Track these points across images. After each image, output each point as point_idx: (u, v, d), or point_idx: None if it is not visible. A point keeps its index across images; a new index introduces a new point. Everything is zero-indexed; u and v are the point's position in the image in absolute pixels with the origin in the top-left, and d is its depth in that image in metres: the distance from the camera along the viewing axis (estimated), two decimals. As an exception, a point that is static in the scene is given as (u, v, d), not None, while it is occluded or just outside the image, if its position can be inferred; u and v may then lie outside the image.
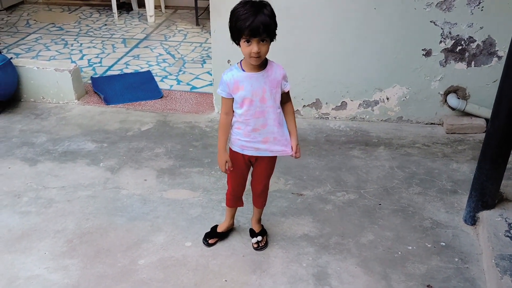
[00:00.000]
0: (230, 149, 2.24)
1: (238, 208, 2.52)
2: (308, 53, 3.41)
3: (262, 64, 2.04)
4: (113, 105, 3.94)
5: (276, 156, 2.30)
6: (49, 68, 3.88)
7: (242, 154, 2.21)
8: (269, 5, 1.92)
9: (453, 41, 3.25)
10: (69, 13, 6.29)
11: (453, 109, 3.47)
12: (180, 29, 5.73)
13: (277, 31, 1.95)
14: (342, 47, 3.37)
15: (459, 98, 3.41)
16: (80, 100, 4.00)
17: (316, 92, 3.56)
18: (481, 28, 3.18)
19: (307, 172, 3.08)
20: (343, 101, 3.57)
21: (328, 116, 3.65)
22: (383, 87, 3.48)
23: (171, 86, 4.28)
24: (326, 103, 3.60)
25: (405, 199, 2.82)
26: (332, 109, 3.61)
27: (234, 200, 2.45)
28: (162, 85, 4.25)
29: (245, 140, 2.16)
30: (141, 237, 2.55)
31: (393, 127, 3.59)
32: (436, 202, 2.79)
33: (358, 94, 3.53)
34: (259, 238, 2.48)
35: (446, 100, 3.46)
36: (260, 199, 2.46)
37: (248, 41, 1.91)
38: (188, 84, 4.31)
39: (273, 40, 1.97)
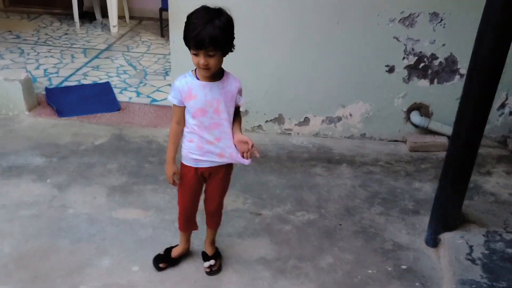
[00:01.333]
0: (182, 163, 2.09)
1: None
2: (270, 66, 3.31)
3: (217, 74, 1.92)
4: (66, 118, 3.74)
5: (232, 169, 2.17)
6: (-2, 78, 3.67)
7: (195, 168, 2.06)
8: (225, 15, 1.80)
9: (416, 57, 3.20)
10: (29, 21, 6.05)
11: (416, 126, 3.42)
12: (144, 40, 5.57)
13: (235, 42, 1.84)
14: (304, 61, 3.28)
15: (422, 116, 3.37)
16: (31, 112, 3.78)
17: (278, 107, 3.46)
18: (443, 45, 3.14)
19: (267, 190, 2.95)
20: (306, 117, 3.48)
21: (291, 132, 3.55)
22: (346, 103, 3.40)
23: (130, 98, 4.11)
24: (289, 119, 3.50)
25: (366, 220, 2.72)
26: (295, 124, 3.51)
27: (187, 223, 2.28)
28: (120, 97, 4.08)
29: (198, 154, 2.02)
30: (84, 260, 2.37)
31: (356, 144, 3.51)
32: (398, 223, 2.70)
33: (321, 110, 3.44)
34: (212, 262, 2.32)
35: (409, 118, 3.41)
36: (214, 219, 2.32)
37: (195, 53, 1.80)
38: (148, 96, 4.14)
39: (227, 52, 1.85)
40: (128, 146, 3.42)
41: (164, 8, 5.41)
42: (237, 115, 2.05)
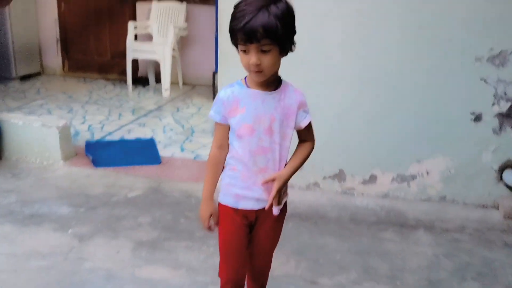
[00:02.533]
0: (220, 205, 1.59)
1: None
2: (330, 112, 2.87)
3: (273, 82, 1.48)
4: (102, 168, 3.40)
5: (284, 217, 1.65)
6: (36, 124, 3.44)
7: (237, 209, 1.55)
8: (284, 1, 1.38)
9: (510, 103, 2.67)
10: (84, 84, 6.06)
11: (511, 188, 2.79)
12: (195, 102, 5.36)
13: (295, 44, 1.42)
14: (371, 106, 2.82)
15: (518, 175, 2.76)
16: (67, 162, 3.48)
17: (339, 161, 2.96)
18: (544, 88, 2.62)
19: (325, 255, 2.38)
20: (372, 174, 2.94)
21: (354, 192, 3.00)
22: (421, 158, 2.85)
23: (173, 153, 3.76)
24: (352, 176, 2.97)
25: (458, 298, 2.07)
26: (359, 183, 2.97)
27: None
28: (163, 152, 3.73)
29: (242, 186, 1.52)
30: (91, 324, 1.86)
31: (435, 208, 2.90)
32: (503, 304, 2.04)
33: (391, 166, 2.90)
34: None
35: (501, 177, 2.80)
36: (259, 281, 1.75)
37: (245, 51, 1.37)
38: (192, 152, 3.78)
39: (286, 51, 1.41)
40: (165, 199, 3.00)
41: (217, 72, 5.22)
42: (304, 142, 1.58)
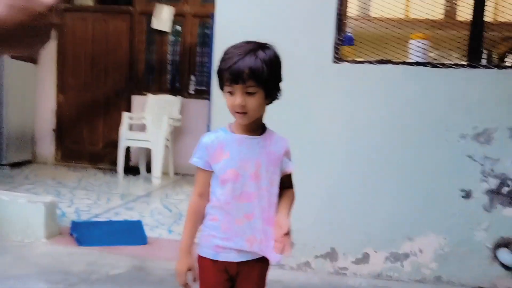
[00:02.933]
0: (200, 257, 1.52)
1: None
2: (321, 188, 2.86)
3: (258, 128, 1.49)
4: (86, 247, 3.28)
5: (267, 271, 1.57)
6: (21, 200, 3.37)
7: (217, 261, 1.48)
8: (272, 49, 1.44)
9: (498, 180, 2.69)
10: (74, 172, 6.05)
11: (507, 268, 2.71)
12: (185, 190, 5.33)
13: (281, 92, 1.47)
14: (361, 183, 2.83)
15: (513, 254, 2.69)
16: (50, 240, 3.36)
17: (330, 239, 2.89)
18: (530, 165, 2.66)
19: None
20: (365, 253, 2.86)
21: (346, 272, 2.89)
22: (414, 235, 2.80)
23: (160, 234, 3.66)
24: (344, 254, 2.88)
25: None
26: (352, 262, 2.88)
27: None
28: (150, 233, 3.63)
29: (222, 237, 1.47)
30: None
31: (431, 289, 2.78)
32: None
33: (383, 244, 2.84)
34: None
35: (496, 256, 2.73)
36: None
37: (230, 92, 1.40)
38: (179, 234, 3.67)
39: (272, 97, 1.44)
40: (148, 277, 2.86)
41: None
42: (288, 189, 1.56)
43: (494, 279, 2.74)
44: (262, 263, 1.53)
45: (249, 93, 1.38)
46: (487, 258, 2.75)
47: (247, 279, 1.52)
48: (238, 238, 1.46)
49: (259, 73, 1.36)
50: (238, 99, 1.37)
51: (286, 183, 1.55)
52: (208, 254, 1.49)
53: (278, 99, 1.48)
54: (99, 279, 2.80)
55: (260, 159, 1.46)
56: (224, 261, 1.48)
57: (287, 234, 1.43)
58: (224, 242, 1.47)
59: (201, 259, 1.51)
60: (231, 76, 1.37)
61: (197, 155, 1.48)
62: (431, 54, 2.83)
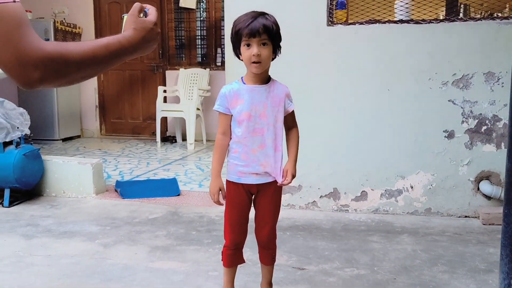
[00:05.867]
0: (227, 181, 1.97)
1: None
2: (322, 138, 3.29)
3: (265, 79, 1.92)
4: (128, 199, 3.86)
5: (281, 189, 2.03)
6: (73, 162, 3.98)
7: (242, 185, 1.93)
8: (273, 17, 1.88)
9: (476, 120, 3.03)
10: (118, 143, 6.70)
11: (488, 197, 3.07)
12: (216, 154, 5.86)
13: (280, 50, 1.89)
14: (357, 131, 3.23)
15: (493, 185, 3.04)
16: (98, 195, 3.97)
17: (333, 181, 3.33)
18: (505, 105, 2.97)
19: (315, 252, 2.70)
20: (363, 191, 3.29)
21: (348, 208, 3.33)
22: (405, 174, 3.20)
23: (192, 188, 4.20)
24: (345, 193, 3.32)
25: (426, 276, 2.34)
26: (352, 200, 3.31)
27: (234, 255, 2.02)
28: (183, 187, 4.18)
29: (243, 165, 1.91)
30: (108, 294, 2.23)
31: (421, 219, 3.18)
32: (466, 279, 2.29)
33: (379, 183, 3.25)
34: None
35: (478, 188, 3.09)
36: (269, 252, 2.06)
37: (248, 45, 1.81)
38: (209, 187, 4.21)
39: (275, 52, 1.87)
40: (180, 219, 3.40)
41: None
42: (291, 129, 2.00)
43: (477, 209, 3.11)
44: (275, 184, 1.97)
45: (263, 44, 1.81)
46: (471, 190, 3.12)
47: (264, 195, 1.97)
48: (254, 164, 1.91)
49: (271, 29, 1.81)
50: (255, 49, 1.80)
51: (289, 121, 1.99)
52: (234, 178, 1.94)
53: (278, 56, 1.91)
54: (140, 222, 3.37)
55: (267, 102, 1.90)
56: (246, 183, 1.94)
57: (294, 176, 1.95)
58: (244, 168, 1.92)
59: (228, 183, 1.96)
60: (249, 31, 1.79)
61: (218, 103, 1.93)
62: (414, 12, 3.16)
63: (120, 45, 0.97)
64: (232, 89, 1.90)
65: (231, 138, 1.94)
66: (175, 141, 6.69)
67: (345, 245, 2.79)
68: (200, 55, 7.02)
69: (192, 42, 6.99)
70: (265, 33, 1.79)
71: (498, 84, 2.97)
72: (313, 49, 3.24)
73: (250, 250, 2.10)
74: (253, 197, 1.99)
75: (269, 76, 1.95)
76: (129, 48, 0.99)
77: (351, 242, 2.83)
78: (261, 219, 2.01)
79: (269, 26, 1.80)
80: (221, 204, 1.98)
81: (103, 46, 0.90)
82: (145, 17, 1.13)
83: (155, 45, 1.14)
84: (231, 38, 1.89)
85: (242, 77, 1.94)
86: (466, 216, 3.14)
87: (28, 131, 3.93)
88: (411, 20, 3.08)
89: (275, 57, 1.90)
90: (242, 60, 1.88)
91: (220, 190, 1.92)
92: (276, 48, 1.87)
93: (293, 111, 1.99)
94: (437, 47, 3.03)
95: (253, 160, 1.91)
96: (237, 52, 1.89)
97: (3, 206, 3.72)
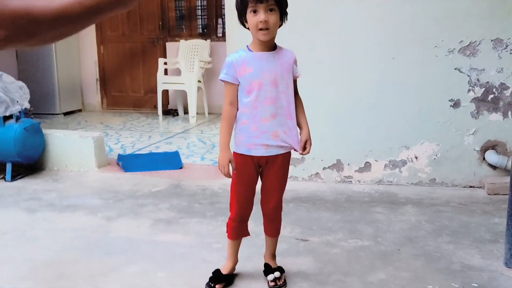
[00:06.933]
0: (235, 153, 1.90)
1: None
2: (325, 109, 3.23)
3: (271, 46, 1.85)
4: (130, 172, 3.85)
5: (290, 159, 1.98)
6: (74, 136, 3.95)
7: (251, 157, 1.87)
8: None
9: (483, 89, 2.97)
10: (120, 116, 6.66)
11: (494, 167, 3.03)
12: (218, 126, 5.81)
13: (287, 17, 1.82)
14: (361, 101, 3.18)
15: (499, 154, 3.00)
16: (100, 169, 3.95)
17: (336, 152, 3.29)
18: (513, 73, 2.91)
19: (318, 223, 2.68)
20: (366, 162, 3.25)
21: (351, 180, 3.30)
22: (409, 144, 3.15)
23: (194, 161, 4.18)
24: (348, 165, 3.29)
25: (431, 246, 2.33)
26: (355, 171, 3.28)
27: (239, 227, 2.00)
28: (185, 161, 4.16)
29: (253, 137, 1.85)
30: (111, 267, 2.24)
31: (425, 189, 3.15)
32: (471, 249, 2.28)
33: (383, 154, 3.21)
34: (277, 274, 2.00)
35: (484, 158, 3.05)
36: (273, 224, 2.04)
37: (254, 11, 1.74)
38: (211, 160, 4.19)
39: (282, 19, 1.80)
40: (183, 192, 3.39)
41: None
42: (297, 97, 1.94)
43: (483, 178, 3.08)
44: (284, 154, 1.93)
45: (270, 10, 1.73)
46: (476, 160, 3.08)
47: (272, 166, 1.92)
48: (264, 135, 1.85)
49: None
50: (262, 15, 1.73)
51: (295, 89, 1.93)
52: (243, 150, 1.89)
53: (284, 23, 1.83)
54: (142, 195, 3.36)
55: (276, 69, 1.83)
56: (255, 156, 1.88)
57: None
58: (254, 140, 1.86)
59: (236, 155, 1.90)
60: None
61: (225, 72, 1.84)
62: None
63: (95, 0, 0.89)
64: (240, 57, 1.82)
65: (238, 109, 1.88)
66: (177, 114, 6.63)
67: (348, 217, 2.77)
68: (200, 26, 6.89)
69: (193, 13, 6.85)
70: None
71: (506, 51, 2.89)
72: (318, 15, 3.15)
73: (253, 222, 2.08)
74: (260, 169, 1.95)
75: (275, 43, 1.88)
76: (106, 2, 0.91)
77: (354, 214, 2.81)
78: (268, 191, 1.97)
79: None
80: (231, 177, 1.92)
81: (77, 1, 0.83)
82: None
83: (136, 0, 1.08)
84: (236, 5, 1.82)
85: (247, 45, 1.86)
86: (471, 186, 3.11)
87: (28, 105, 3.89)
88: (417, -15, 2.98)
89: (281, 24, 1.83)
90: (248, 28, 1.81)
91: (230, 162, 1.86)
92: (283, 15, 1.80)
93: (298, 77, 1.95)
94: (443, 13, 2.95)
95: (264, 131, 1.85)
96: (242, 20, 1.82)
97: (5, 180, 3.72)
